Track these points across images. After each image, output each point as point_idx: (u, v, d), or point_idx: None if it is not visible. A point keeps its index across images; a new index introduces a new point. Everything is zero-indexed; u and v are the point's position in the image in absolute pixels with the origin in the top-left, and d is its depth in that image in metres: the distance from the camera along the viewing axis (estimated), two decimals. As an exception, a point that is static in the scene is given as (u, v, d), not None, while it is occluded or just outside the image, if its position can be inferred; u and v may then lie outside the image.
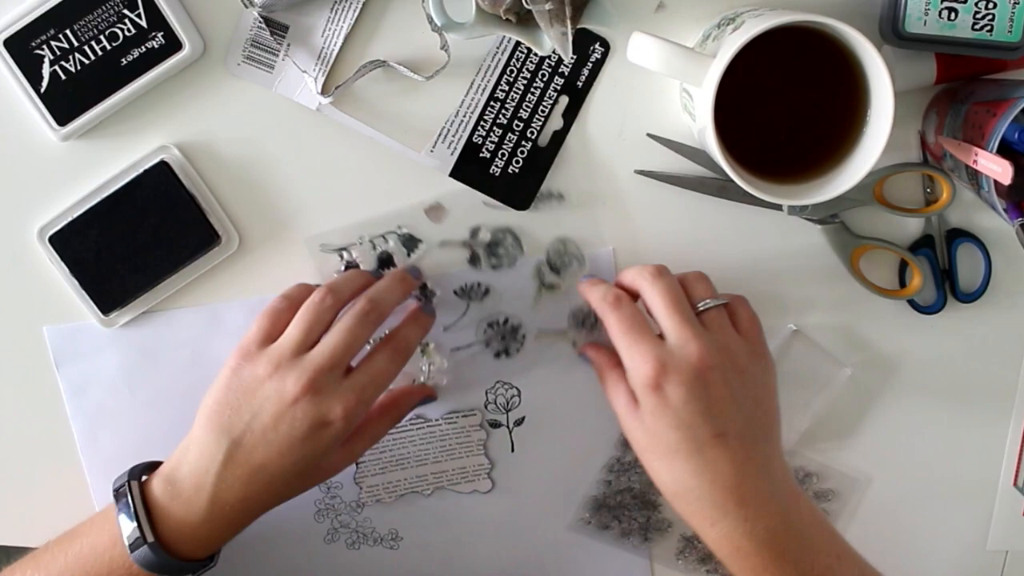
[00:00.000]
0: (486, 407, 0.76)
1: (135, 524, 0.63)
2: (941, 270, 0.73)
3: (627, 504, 0.78)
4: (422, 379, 0.74)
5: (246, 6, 0.68)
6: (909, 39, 0.63)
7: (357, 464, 0.76)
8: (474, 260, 0.73)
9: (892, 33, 0.63)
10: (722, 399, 0.61)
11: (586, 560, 0.79)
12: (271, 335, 0.66)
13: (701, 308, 0.64)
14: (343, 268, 0.73)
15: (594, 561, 0.79)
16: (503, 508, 0.78)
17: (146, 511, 0.64)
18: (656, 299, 0.63)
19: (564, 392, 0.76)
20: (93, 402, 0.75)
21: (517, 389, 0.76)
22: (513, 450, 0.77)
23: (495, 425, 0.76)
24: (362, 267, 0.73)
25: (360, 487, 0.77)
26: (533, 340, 0.74)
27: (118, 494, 0.64)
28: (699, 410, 0.61)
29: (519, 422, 0.76)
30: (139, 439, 0.75)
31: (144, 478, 0.66)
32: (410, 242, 0.73)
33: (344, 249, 0.73)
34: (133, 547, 0.63)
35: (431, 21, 0.67)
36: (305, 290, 0.68)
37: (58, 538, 0.67)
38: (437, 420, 0.76)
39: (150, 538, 0.63)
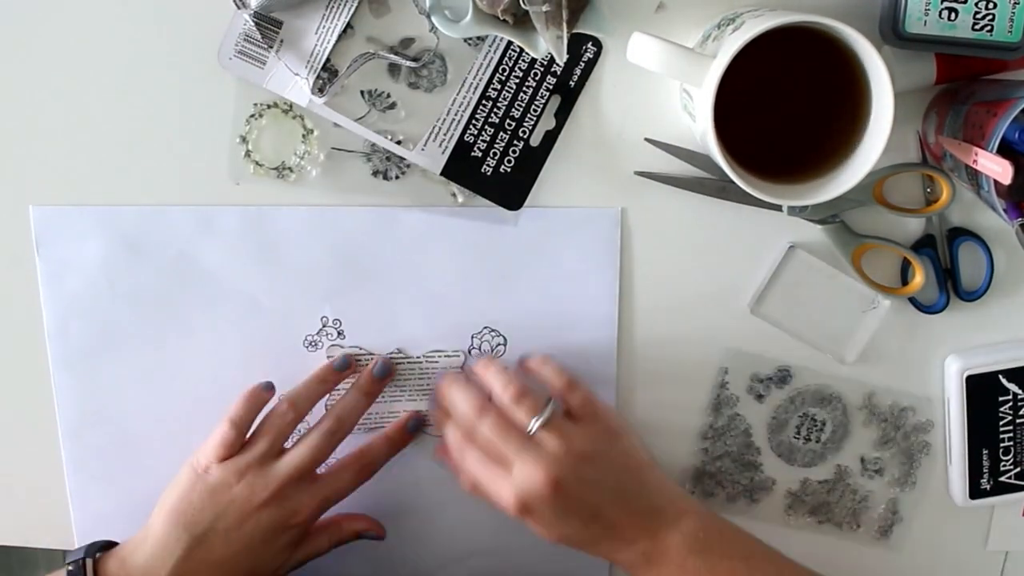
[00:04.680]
0: (470, 352, 0.75)
1: None
2: (943, 269, 0.73)
3: (728, 469, 0.78)
4: (294, 160, 0.71)
5: (238, 7, 0.67)
6: (909, 39, 0.62)
7: (332, 393, 0.75)
8: (393, 70, 0.71)
9: (892, 33, 0.62)
10: (583, 495, 0.65)
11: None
12: (234, 443, 0.70)
13: (534, 429, 0.66)
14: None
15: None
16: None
17: None
18: (488, 442, 0.66)
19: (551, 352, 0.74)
20: (69, 290, 0.73)
21: (504, 337, 0.75)
22: None
23: None
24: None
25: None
26: (418, 176, 0.72)
27: (72, 572, 0.67)
28: (571, 515, 0.65)
29: None
30: (109, 334, 0.74)
31: (99, 555, 0.69)
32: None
33: None
34: None
35: (427, 18, 0.66)
36: (258, 400, 0.72)
37: None
38: (418, 358, 0.75)
39: None
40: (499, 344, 0.75)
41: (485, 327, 0.75)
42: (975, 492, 0.75)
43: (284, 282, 0.74)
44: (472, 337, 0.75)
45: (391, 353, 0.75)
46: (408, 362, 0.75)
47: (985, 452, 0.75)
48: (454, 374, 0.71)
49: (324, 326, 0.75)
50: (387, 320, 0.75)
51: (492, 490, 0.66)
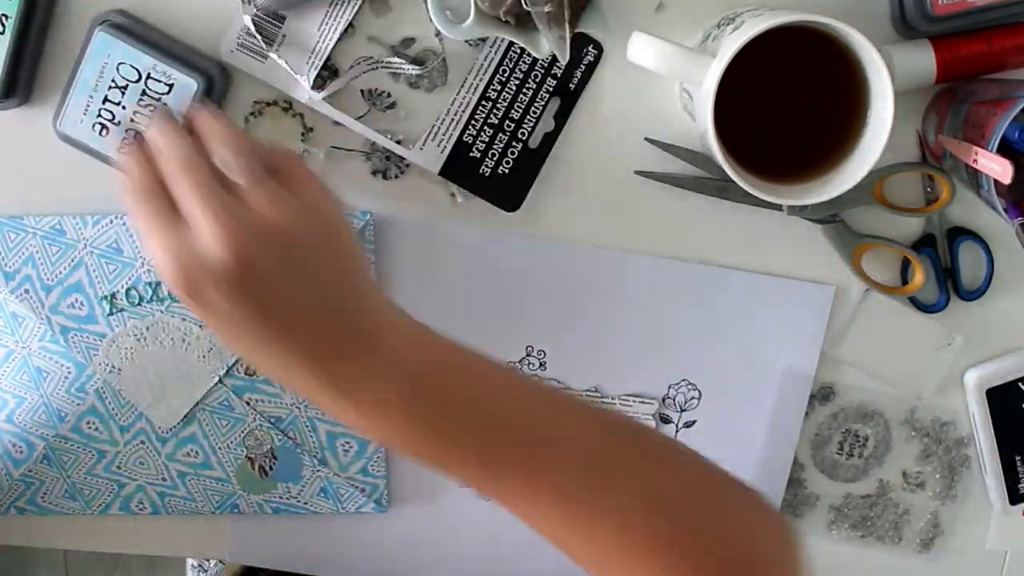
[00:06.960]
0: (663, 401, 0.75)
1: None
2: (943, 268, 0.73)
3: None
4: None
5: (244, 3, 0.67)
6: (938, 20, 0.63)
7: None
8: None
9: (920, 14, 0.63)
10: (275, 283, 0.51)
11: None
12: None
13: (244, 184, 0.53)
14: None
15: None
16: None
17: None
18: (170, 172, 0.52)
19: (741, 422, 0.76)
20: None
21: (699, 392, 0.75)
22: None
23: (665, 420, 0.76)
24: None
25: None
26: (417, 176, 0.72)
27: None
28: (250, 305, 0.50)
29: (689, 424, 0.76)
30: None
31: None
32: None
33: None
34: None
35: (431, 20, 0.66)
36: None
37: None
38: (612, 398, 0.75)
39: None
40: (693, 398, 0.76)
41: (683, 379, 0.75)
42: (1014, 497, 0.76)
43: (498, 306, 0.74)
44: (669, 387, 0.75)
45: (587, 390, 0.76)
46: (602, 402, 0.76)
47: (1018, 458, 0.76)
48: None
49: (528, 355, 0.75)
50: (590, 358, 0.75)
51: (155, 249, 0.51)
